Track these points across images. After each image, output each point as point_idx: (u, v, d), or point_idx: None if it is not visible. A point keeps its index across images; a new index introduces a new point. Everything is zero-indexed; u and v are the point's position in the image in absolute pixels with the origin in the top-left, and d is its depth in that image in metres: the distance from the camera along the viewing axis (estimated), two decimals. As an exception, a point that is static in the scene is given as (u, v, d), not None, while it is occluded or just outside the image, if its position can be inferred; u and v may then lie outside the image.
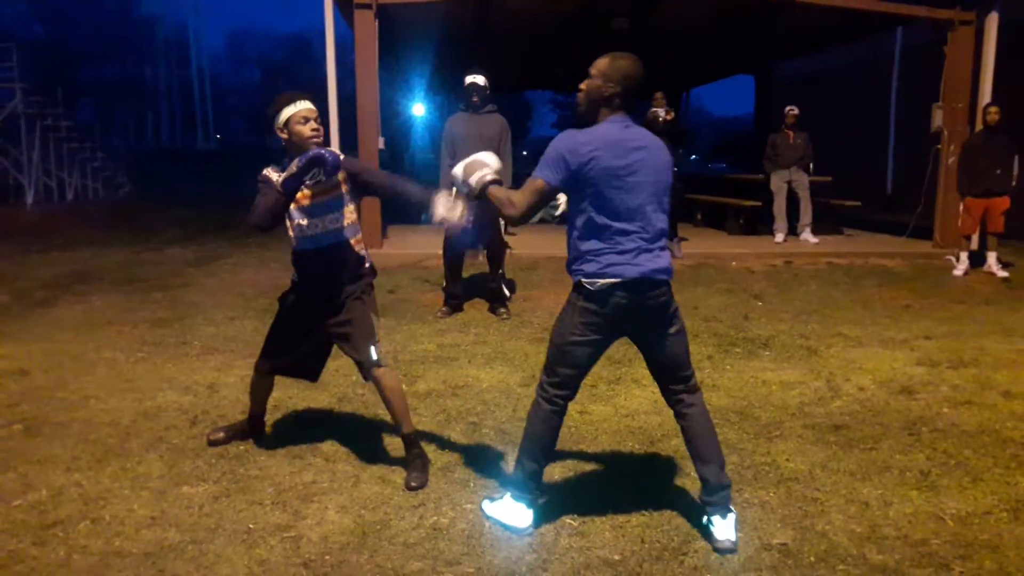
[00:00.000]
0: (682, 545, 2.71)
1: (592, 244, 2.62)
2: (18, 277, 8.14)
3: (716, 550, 2.65)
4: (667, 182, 2.71)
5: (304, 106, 3.15)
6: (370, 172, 3.42)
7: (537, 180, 2.60)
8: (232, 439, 3.62)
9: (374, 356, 3.24)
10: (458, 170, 2.80)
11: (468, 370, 4.80)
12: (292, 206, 3.16)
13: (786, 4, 9.65)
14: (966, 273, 8.20)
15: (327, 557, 2.65)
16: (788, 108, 10.16)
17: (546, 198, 2.66)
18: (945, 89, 9.50)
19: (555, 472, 3.29)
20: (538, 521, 2.85)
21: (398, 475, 3.26)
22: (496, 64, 8.71)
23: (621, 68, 2.65)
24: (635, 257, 2.61)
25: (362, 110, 8.95)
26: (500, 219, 5.75)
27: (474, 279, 7.08)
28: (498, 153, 6.08)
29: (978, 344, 5.36)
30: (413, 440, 3.31)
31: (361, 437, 3.68)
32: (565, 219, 2.79)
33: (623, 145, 2.61)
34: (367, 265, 3.36)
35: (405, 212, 11.80)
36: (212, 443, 3.58)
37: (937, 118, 9.53)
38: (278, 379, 3.63)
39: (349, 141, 8.93)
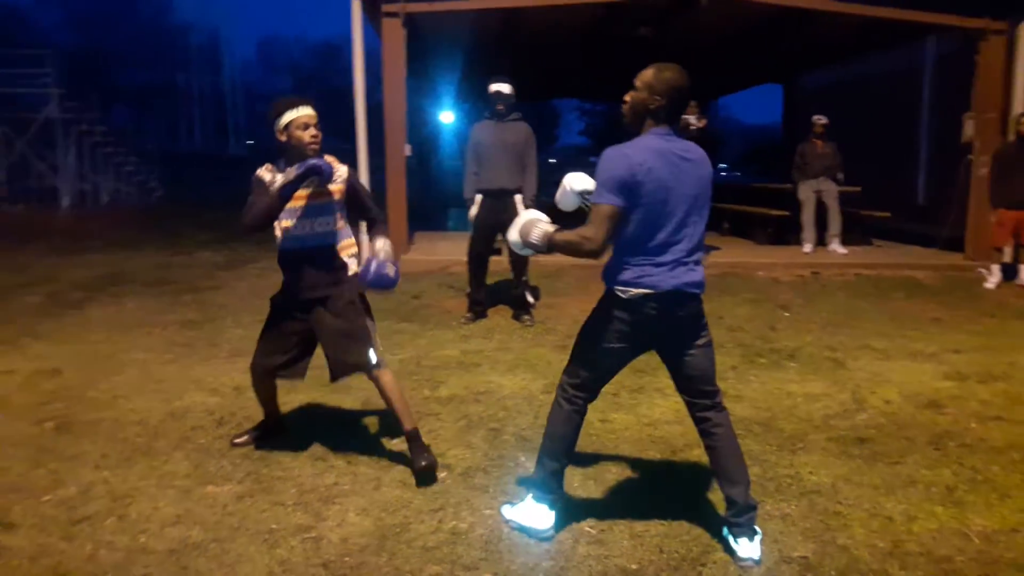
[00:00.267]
0: (701, 556, 2.70)
1: (631, 253, 2.60)
2: (53, 279, 8.30)
3: (738, 566, 2.63)
4: (708, 195, 2.68)
5: (305, 111, 3.21)
6: (366, 199, 3.49)
7: (604, 207, 2.52)
8: (255, 440, 3.67)
9: (373, 360, 3.33)
10: (514, 236, 2.74)
11: (491, 376, 4.81)
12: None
13: (812, 14, 9.59)
14: (998, 286, 8.07)
15: (346, 559, 2.68)
16: (816, 117, 10.08)
17: (618, 222, 2.56)
18: (976, 99, 9.38)
19: (575, 480, 3.30)
20: (558, 525, 2.85)
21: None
22: (522, 72, 8.74)
23: (666, 80, 2.62)
24: (672, 269, 2.59)
25: (389, 118, 9.02)
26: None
27: (498, 285, 7.10)
28: (522, 161, 6.16)
29: (1009, 358, 5.27)
30: (415, 435, 3.37)
31: (384, 441, 3.71)
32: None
33: (670, 157, 2.58)
34: (350, 273, 3.40)
35: (434, 218, 11.93)
36: (236, 445, 3.64)
37: (968, 128, 9.41)
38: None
39: (376, 149, 9.01)
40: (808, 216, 9.99)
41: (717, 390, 2.80)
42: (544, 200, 5.11)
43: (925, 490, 3.24)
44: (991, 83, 9.27)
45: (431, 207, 12.74)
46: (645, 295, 2.59)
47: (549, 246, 2.66)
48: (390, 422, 3.97)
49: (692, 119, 8.56)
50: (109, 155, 21.76)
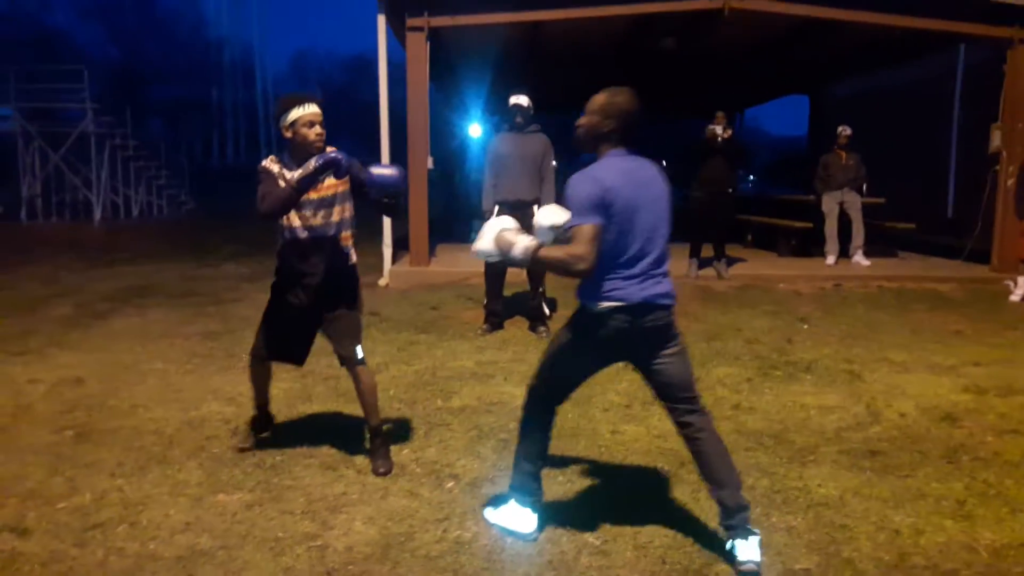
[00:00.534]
0: (703, 568, 2.70)
1: (602, 269, 2.64)
2: (82, 290, 8.49)
3: (740, 573, 2.63)
4: (668, 209, 2.75)
5: (311, 109, 3.30)
6: (361, 174, 3.46)
7: (587, 227, 2.55)
8: (257, 439, 3.80)
9: (359, 355, 3.51)
10: (487, 246, 2.75)
11: (504, 387, 4.84)
12: None
13: (836, 24, 9.53)
14: (1023, 299, 7.94)
15: (351, 567, 2.72)
16: (840, 128, 10.00)
17: (601, 238, 2.59)
18: (1004, 108, 9.25)
19: (580, 490, 3.32)
20: (540, 524, 2.89)
21: (426, 489, 3.33)
22: (547, 84, 8.80)
23: (617, 104, 2.70)
24: (641, 282, 2.66)
25: (412, 130, 9.11)
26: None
27: (515, 297, 7.13)
28: (540, 172, 6.21)
29: (1031, 372, 5.19)
30: (378, 431, 3.56)
31: (393, 452, 3.74)
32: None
33: (633, 176, 2.67)
34: (351, 262, 3.53)
35: (456, 231, 11.96)
36: (243, 451, 3.72)
37: (996, 139, 9.28)
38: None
39: (399, 160, 9.09)
40: (831, 228, 9.90)
41: (696, 395, 2.82)
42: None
43: (935, 503, 3.21)
44: (1019, 92, 9.14)
45: (453, 220, 12.80)
46: (615, 307, 2.65)
47: (533, 262, 2.70)
48: (401, 432, 4.03)
49: (718, 129, 8.54)
50: (141, 168, 22.16)
